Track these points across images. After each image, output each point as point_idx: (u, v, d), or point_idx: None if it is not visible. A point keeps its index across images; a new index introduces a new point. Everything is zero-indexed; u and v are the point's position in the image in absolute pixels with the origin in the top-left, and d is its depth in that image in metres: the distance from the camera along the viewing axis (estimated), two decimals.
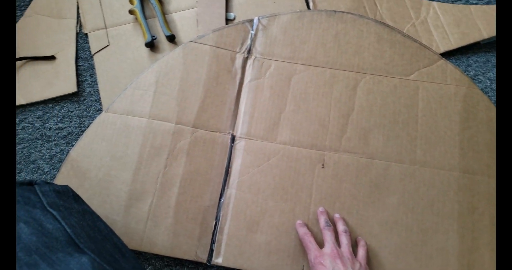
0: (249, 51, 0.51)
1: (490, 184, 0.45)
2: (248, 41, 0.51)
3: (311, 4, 0.55)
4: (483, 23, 0.53)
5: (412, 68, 0.50)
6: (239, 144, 0.48)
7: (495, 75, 0.53)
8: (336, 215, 0.44)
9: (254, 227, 0.44)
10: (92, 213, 0.37)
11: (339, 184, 0.46)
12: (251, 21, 0.52)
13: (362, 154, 0.47)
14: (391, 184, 0.46)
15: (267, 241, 0.44)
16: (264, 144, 0.47)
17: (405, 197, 0.45)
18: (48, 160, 0.51)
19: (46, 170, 0.50)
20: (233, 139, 0.48)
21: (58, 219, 0.32)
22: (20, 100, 0.52)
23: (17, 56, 0.54)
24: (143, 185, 0.46)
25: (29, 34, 0.55)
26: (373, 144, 0.47)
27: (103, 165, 0.46)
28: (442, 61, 0.50)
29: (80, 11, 0.56)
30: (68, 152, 0.49)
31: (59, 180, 0.47)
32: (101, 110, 0.52)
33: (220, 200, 0.46)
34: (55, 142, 0.51)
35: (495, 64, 0.54)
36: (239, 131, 0.48)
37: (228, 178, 0.46)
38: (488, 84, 0.53)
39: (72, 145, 0.51)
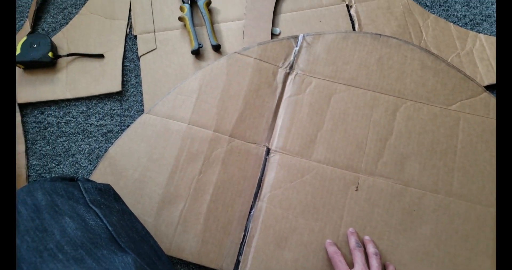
0: (291, 67, 0.52)
1: None
2: (291, 57, 0.52)
3: (356, 26, 0.55)
4: None
5: (455, 99, 0.50)
6: (274, 158, 0.48)
7: None
8: (366, 237, 0.44)
9: (283, 243, 0.44)
10: (130, 214, 0.37)
11: (371, 208, 0.45)
12: (296, 37, 0.53)
13: (397, 180, 0.46)
14: (424, 213, 0.45)
15: (295, 258, 0.44)
16: (299, 160, 0.47)
17: (438, 228, 0.44)
18: (86, 155, 0.52)
19: (83, 165, 0.51)
20: (268, 152, 0.48)
21: (100, 217, 0.32)
22: (66, 94, 0.54)
23: (68, 52, 0.56)
24: (177, 189, 0.46)
25: (82, 32, 0.57)
26: (409, 171, 0.47)
27: (140, 166, 0.47)
28: (486, 94, 0.50)
29: (131, 14, 0.58)
30: (106, 149, 0.50)
31: (96, 176, 0.48)
32: (142, 111, 0.54)
33: (250, 212, 0.46)
34: (95, 138, 0.53)
35: None
36: (274, 144, 0.48)
37: (260, 190, 0.47)
38: None
39: (111, 143, 0.52)
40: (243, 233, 0.45)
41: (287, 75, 0.51)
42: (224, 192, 0.46)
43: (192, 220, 0.45)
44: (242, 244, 0.45)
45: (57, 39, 0.57)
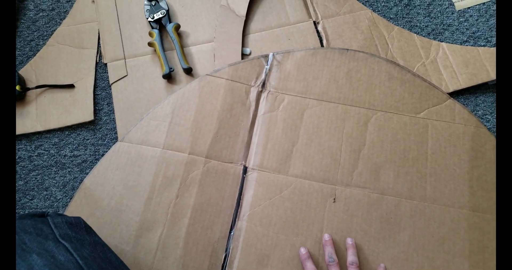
0: (263, 85, 0.53)
1: None
2: (263, 76, 0.53)
3: (324, 42, 0.57)
4: (491, 65, 0.55)
5: (422, 107, 0.51)
6: (251, 176, 0.48)
7: None
8: (348, 241, 0.44)
9: (265, 261, 0.44)
10: (103, 245, 0.37)
11: (350, 219, 0.46)
12: (266, 56, 0.54)
13: (373, 189, 0.47)
14: (401, 220, 0.46)
15: None
16: (277, 177, 0.48)
17: (415, 234, 0.45)
18: (61, 187, 0.51)
19: (58, 198, 0.50)
20: (245, 170, 0.49)
21: (70, 251, 0.32)
22: (37, 127, 0.53)
23: (37, 84, 0.55)
24: (154, 215, 0.46)
25: (50, 63, 0.57)
26: (383, 179, 0.48)
27: (116, 194, 0.47)
28: (451, 101, 0.51)
29: (100, 42, 0.58)
30: (81, 180, 0.50)
31: (72, 208, 0.47)
32: (116, 138, 0.53)
33: (230, 232, 0.46)
34: (69, 170, 0.52)
35: None
36: (251, 162, 0.49)
37: (239, 210, 0.47)
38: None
39: (86, 173, 0.51)
40: (224, 254, 0.45)
41: (259, 93, 0.52)
42: (202, 214, 0.46)
43: (171, 245, 0.45)
44: (224, 266, 0.44)
45: (25, 71, 0.56)
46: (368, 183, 0.47)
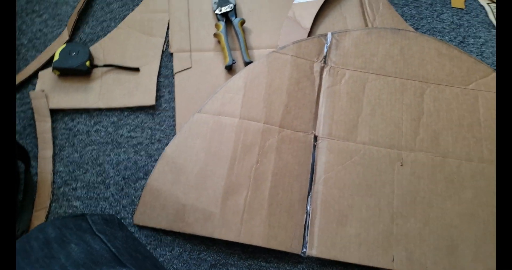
0: (325, 61, 0.57)
1: None
2: (324, 52, 0.57)
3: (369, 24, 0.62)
4: None
5: (470, 79, 0.56)
6: (322, 144, 0.51)
7: None
8: None
9: (344, 221, 0.47)
10: (134, 239, 0.42)
11: (417, 180, 0.50)
12: (325, 35, 0.58)
13: (435, 153, 0.51)
14: (464, 180, 0.50)
15: (357, 233, 0.46)
16: (346, 144, 0.51)
17: (478, 192, 0.49)
18: (114, 165, 0.52)
19: (111, 175, 0.51)
20: (315, 138, 0.52)
21: (105, 241, 0.36)
22: (99, 103, 0.55)
23: (104, 63, 0.57)
24: (238, 179, 0.48)
25: (119, 45, 0.59)
26: (443, 144, 0.52)
27: (199, 160, 0.49)
28: (495, 74, 0.57)
29: (169, 32, 0.60)
30: (135, 161, 0.52)
31: (156, 175, 0.49)
32: (173, 126, 0.54)
33: (309, 194, 0.49)
34: (124, 149, 0.53)
35: None
36: (321, 131, 0.52)
37: (314, 174, 0.50)
38: None
39: (141, 155, 0.53)
40: (305, 215, 0.48)
41: (322, 69, 0.56)
42: (282, 178, 0.49)
43: (257, 207, 0.47)
44: (306, 225, 0.47)
45: (94, 49, 0.58)
46: (430, 148, 0.52)
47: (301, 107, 0.54)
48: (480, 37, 0.63)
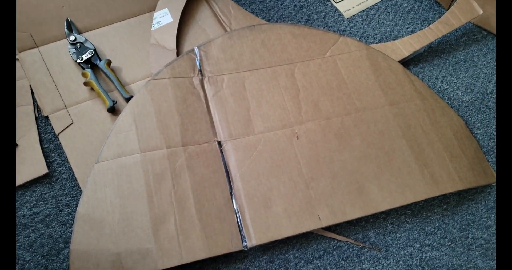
0: (202, 73, 0.61)
1: (411, 106, 0.62)
2: (198, 66, 0.61)
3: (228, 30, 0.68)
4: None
5: (325, 49, 0.66)
6: (227, 146, 0.56)
7: (381, 36, 0.73)
8: None
9: (269, 203, 0.52)
10: None
11: (315, 145, 0.57)
12: (192, 50, 0.62)
13: (320, 118, 0.59)
14: (350, 131, 0.58)
15: (283, 209, 0.52)
16: (247, 139, 0.56)
17: (363, 136, 0.58)
18: (28, 248, 0.50)
19: (28, 259, 0.49)
20: (219, 144, 0.56)
21: None
22: None
23: None
24: (161, 209, 0.50)
25: None
26: (324, 109, 0.60)
27: (116, 207, 0.49)
28: (343, 37, 0.67)
29: (36, 96, 0.58)
30: (50, 235, 0.50)
31: (77, 239, 0.48)
32: (77, 185, 0.54)
33: (231, 194, 0.52)
34: (32, 228, 0.51)
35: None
36: (222, 136, 0.56)
37: (230, 175, 0.54)
38: (377, 40, 0.72)
39: (53, 226, 0.51)
40: (235, 214, 0.51)
41: (202, 81, 0.60)
42: (203, 191, 0.52)
43: (188, 226, 0.49)
44: (238, 222, 0.51)
45: None
46: (315, 116, 0.59)
47: (196, 121, 0.57)
48: (321, 12, 0.74)
